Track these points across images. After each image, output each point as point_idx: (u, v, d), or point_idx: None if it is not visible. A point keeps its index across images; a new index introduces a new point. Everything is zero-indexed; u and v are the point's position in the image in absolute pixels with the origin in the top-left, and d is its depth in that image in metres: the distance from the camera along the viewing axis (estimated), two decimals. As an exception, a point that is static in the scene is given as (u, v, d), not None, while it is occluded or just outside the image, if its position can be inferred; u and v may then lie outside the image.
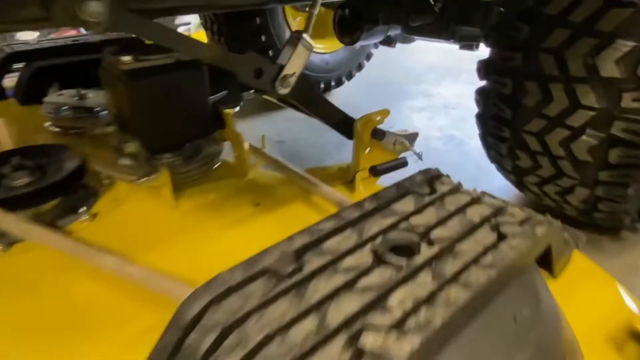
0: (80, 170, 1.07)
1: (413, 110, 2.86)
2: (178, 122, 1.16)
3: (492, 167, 1.99)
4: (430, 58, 4.17)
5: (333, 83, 2.92)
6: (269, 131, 2.51)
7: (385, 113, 1.33)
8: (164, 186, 1.08)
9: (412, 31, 1.95)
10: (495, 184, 1.89)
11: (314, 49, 1.20)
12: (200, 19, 2.75)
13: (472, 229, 0.58)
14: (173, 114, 1.13)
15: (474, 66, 1.53)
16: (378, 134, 1.32)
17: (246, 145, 1.30)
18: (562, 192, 1.35)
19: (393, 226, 0.58)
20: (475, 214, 0.62)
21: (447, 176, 0.85)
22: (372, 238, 0.55)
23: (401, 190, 0.70)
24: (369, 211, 0.62)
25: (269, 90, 1.18)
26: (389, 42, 2.23)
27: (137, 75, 1.05)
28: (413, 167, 1.00)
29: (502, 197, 0.71)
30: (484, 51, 1.65)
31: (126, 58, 1.07)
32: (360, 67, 3.08)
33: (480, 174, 1.99)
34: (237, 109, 1.38)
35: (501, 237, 0.57)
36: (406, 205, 0.64)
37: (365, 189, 1.24)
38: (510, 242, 0.56)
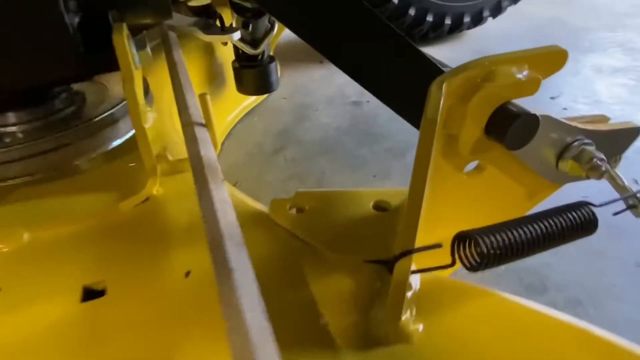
0: None
1: (600, 72, 1.70)
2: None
3: None
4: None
5: (467, 19, 1.89)
6: (348, 86, 1.68)
7: (552, 57, 0.42)
8: None
9: None
10: None
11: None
12: None
13: None
14: None
15: None
16: (516, 126, 0.42)
17: (149, 119, 0.53)
18: None
19: None
20: None
21: None
22: None
23: None
24: None
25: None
26: None
27: None
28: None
29: None
30: None
31: None
32: (517, -3, 1.96)
33: None
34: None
35: None
36: None
37: (425, 310, 0.39)
38: None
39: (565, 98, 1.49)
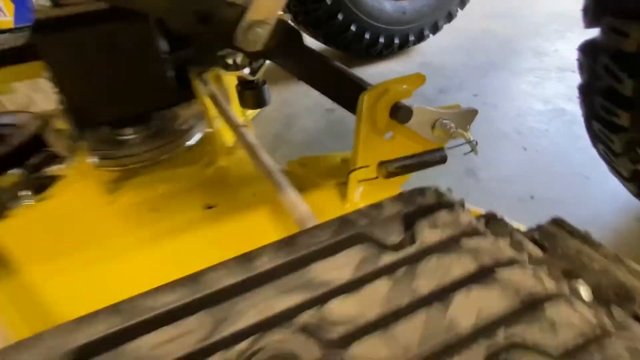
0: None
1: (514, 73, 2.21)
2: (119, 89, 0.89)
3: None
4: (560, 5, 3.25)
5: (412, 38, 2.39)
6: (323, 97, 2.14)
7: (416, 80, 0.90)
8: (89, 176, 0.84)
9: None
10: (610, 187, 1.29)
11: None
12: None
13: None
14: (108, 77, 0.86)
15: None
16: (401, 112, 0.90)
17: (215, 125, 0.98)
18: None
19: (284, 318, 0.31)
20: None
21: (453, 203, 0.45)
22: (235, 340, 0.30)
23: (345, 230, 0.39)
24: (262, 275, 0.35)
25: (229, 45, 0.84)
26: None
27: (52, 26, 0.79)
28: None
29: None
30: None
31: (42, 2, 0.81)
32: (450, 17, 2.48)
33: (593, 169, 1.38)
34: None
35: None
36: (341, 266, 0.36)
37: (367, 196, 0.84)
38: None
39: (484, 95, 1.99)
